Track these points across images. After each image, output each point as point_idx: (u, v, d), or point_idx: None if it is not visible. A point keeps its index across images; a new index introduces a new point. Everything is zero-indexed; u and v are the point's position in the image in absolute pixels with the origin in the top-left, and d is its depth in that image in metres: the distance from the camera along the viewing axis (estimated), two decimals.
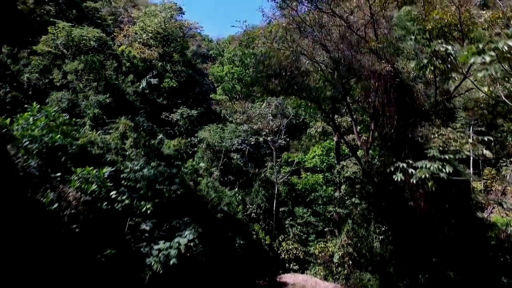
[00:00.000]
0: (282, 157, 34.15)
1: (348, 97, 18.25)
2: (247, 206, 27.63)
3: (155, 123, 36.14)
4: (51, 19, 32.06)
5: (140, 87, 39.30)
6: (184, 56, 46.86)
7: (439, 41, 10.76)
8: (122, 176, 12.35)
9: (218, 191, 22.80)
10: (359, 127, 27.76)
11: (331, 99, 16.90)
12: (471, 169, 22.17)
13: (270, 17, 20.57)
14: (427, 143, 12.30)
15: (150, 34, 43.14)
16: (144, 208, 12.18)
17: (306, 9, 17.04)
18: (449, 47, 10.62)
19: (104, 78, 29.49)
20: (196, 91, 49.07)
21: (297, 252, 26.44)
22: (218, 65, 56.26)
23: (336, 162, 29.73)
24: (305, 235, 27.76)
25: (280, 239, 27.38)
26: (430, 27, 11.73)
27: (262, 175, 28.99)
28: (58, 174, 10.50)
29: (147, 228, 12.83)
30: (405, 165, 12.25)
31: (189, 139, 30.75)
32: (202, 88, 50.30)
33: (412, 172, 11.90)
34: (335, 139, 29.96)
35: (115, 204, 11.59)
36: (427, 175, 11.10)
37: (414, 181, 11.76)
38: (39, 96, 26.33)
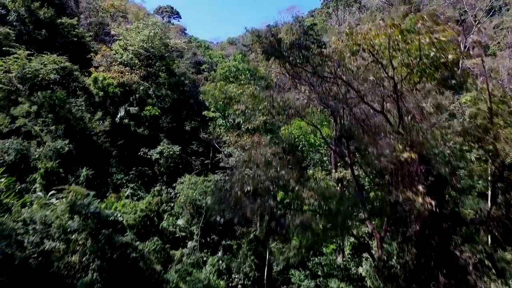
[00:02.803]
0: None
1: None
2: (233, 276, 23.11)
3: (132, 162, 31.60)
4: (8, 47, 27.45)
5: (118, 117, 34.79)
6: (171, 78, 42.20)
7: None
8: None
9: (192, 275, 18.35)
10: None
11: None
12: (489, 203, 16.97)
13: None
14: None
15: (131, 55, 38.50)
16: None
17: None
18: None
19: (66, 119, 24.99)
20: (191, 103, 45.01)
21: None
22: (210, 80, 51.93)
23: None
24: None
25: None
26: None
27: (251, 235, 24.46)
28: None
29: None
30: None
31: (166, 191, 26.24)
32: (195, 99, 46.14)
33: None
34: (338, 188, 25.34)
35: None
36: None
37: None
38: None
